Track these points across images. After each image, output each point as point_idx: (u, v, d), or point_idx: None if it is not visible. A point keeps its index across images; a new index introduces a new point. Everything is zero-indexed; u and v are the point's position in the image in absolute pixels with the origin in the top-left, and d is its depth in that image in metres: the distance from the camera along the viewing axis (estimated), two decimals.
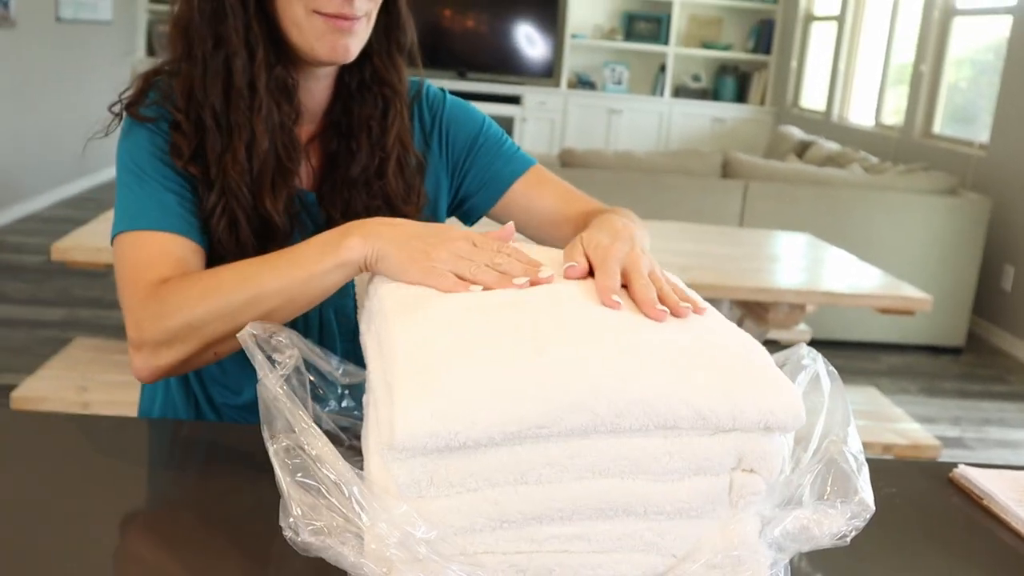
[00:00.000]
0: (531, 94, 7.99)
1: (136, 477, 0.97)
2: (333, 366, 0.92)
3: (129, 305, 1.01)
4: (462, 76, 8.02)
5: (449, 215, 1.30)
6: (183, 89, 1.08)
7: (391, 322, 0.80)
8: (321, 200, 1.16)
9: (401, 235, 0.91)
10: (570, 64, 8.20)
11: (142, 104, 1.10)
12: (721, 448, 0.74)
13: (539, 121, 8.03)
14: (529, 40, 8.09)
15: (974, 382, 4.26)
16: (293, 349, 0.81)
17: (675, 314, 0.79)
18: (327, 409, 0.94)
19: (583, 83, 8.24)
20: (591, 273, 0.86)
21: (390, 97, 1.18)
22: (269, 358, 0.80)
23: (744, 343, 0.80)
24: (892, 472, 1.08)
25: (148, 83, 1.11)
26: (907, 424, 2.64)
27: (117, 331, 3.72)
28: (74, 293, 4.40)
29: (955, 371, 4.39)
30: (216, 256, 1.08)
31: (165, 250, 1.03)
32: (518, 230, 1.24)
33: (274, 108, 1.08)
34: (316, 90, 1.16)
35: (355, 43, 1.08)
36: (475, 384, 0.70)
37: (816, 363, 0.85)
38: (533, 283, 0.85)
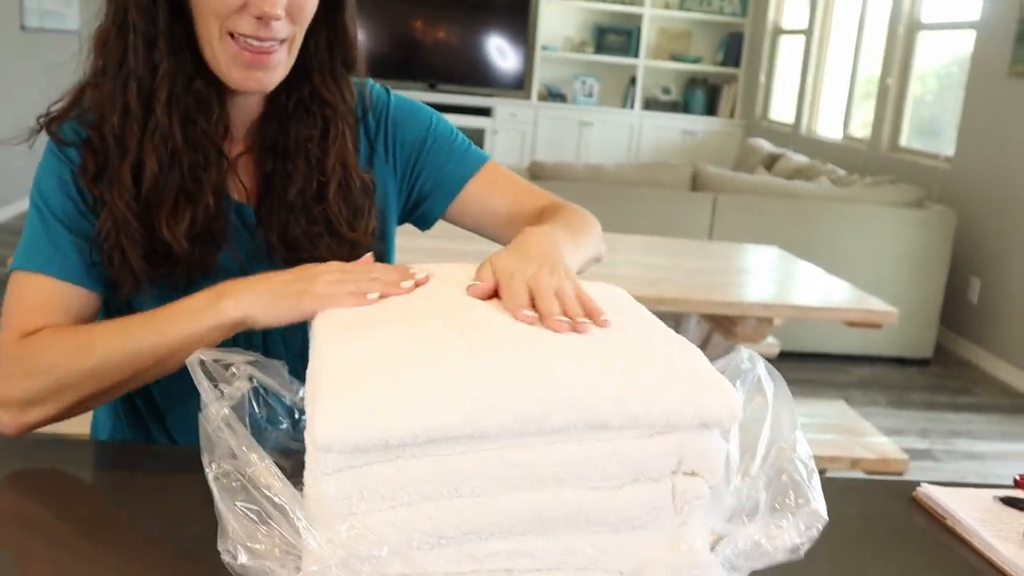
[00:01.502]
0: (502, 106, 7.99)
1: (83, 500, 0.94)
2: (291, 388, 0.89)
3: (0, 358, 0.99)
4: (433, 88, 8.00)
5: (401, 222, 1.26)
6: (97, 105, 1.03)
7: (320, 342, 0.79)
8: (259, 220, 1.11)
9: (275, 285, 0.92)
10: (540, 76, 8.21)
11: (64, 120, 1.05)
12: (659, 449, 0.72)
13: (510, 133, 8.03)
14: (500, 52, 8.10)
15: (942, 394, 4.28)
16: (243, 380, 0.78)
17: (574, 329, 0.78)
18: (281, 432, 0.91)
19: (553, 95, 8.25)
20: (497, 294, 0.86)
21: (331, 118, 1.11)
22: (215, 385, 0.77)
23: (677, 345, 0.80)
24: (856, 492, 1.07)
25: (77, 98, 1.06)
26: (875, 438, 2.64)
27: None
28: None
29: (923, 383, 4.41)
30: (113, 285, 1.03)
31: (48, 298, 1.00)
32: (473, 229, 1.25)
33: (176, 128, 1.01)
34: (245, 104, 1.10)
35: (272, 76, 1.03)
36: (398, 383, 0.69)
37: (756, 367, 0.84)
38: (418, 283, 0.89)
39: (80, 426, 1.16)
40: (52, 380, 0.95)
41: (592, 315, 0.81)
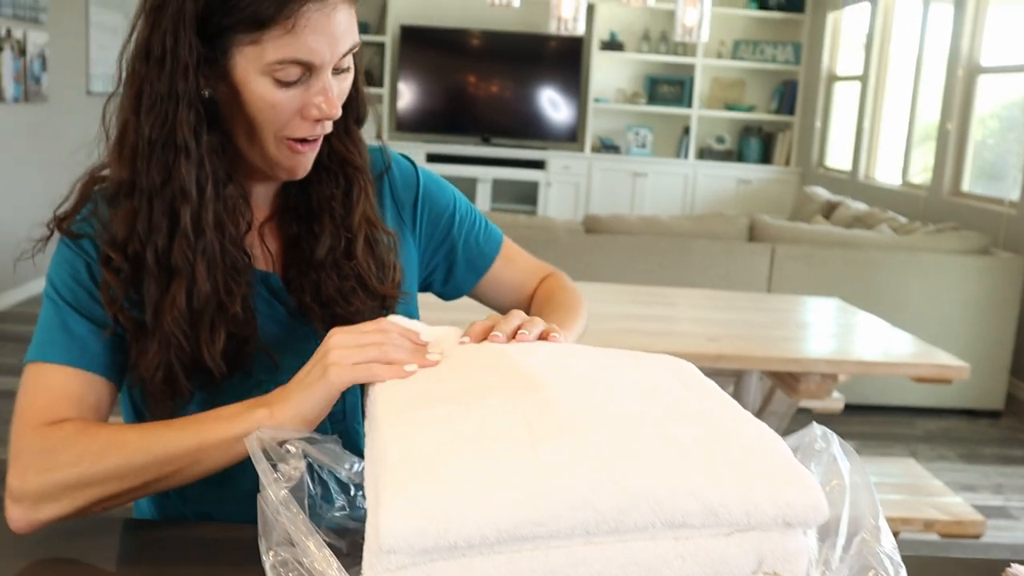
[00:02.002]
0: (555, 158, 8.02)
1: None
2: (346, 467, 0.87)
3: (16, 449, 0.95)
4: (486, 141, 8.06)
5: (421, 290, 1.27)
6: (125, 222, 0.99)
7: (380, 424, 0.77)
8: (288, 285, 1.10)
9: (300, 378, 0.92)
10: (594, 128, 8.23)
11: (74, 220, 1.03)
12: (738, 550, 0.68)
13: (563, 185, 8.04)
14: (553, 105, 8.14)
15: (1015, 447, 4.13)
16: (300, 460, 0.77)
17: (513, 338, 0.92)
18: (337, 511, 0.89)
19: (607, 147, 8.26)
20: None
21: (352, 175, 1.12)
22: (274, 466, 0.75)
23: (757, 432, 0.75)
24: (936, 571, 1.01)
25: (85, 197, 1.04)
26: (948, 498, 2.55)
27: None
28: None
29: (995, 435, 4.26)
30: (150, 400, 1.02)
31: (66, 390, 0.98)
32: (483, 302, 1.32)
33: (216, 242, 1.00)
34: (270, 180, 1.11)
35: (313, 158, 1.06)
36: (466, 479, 0.66)
37: (831, 445, 0.80)
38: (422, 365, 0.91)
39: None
40: (74, 476, 0.92)
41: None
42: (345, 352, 0.89)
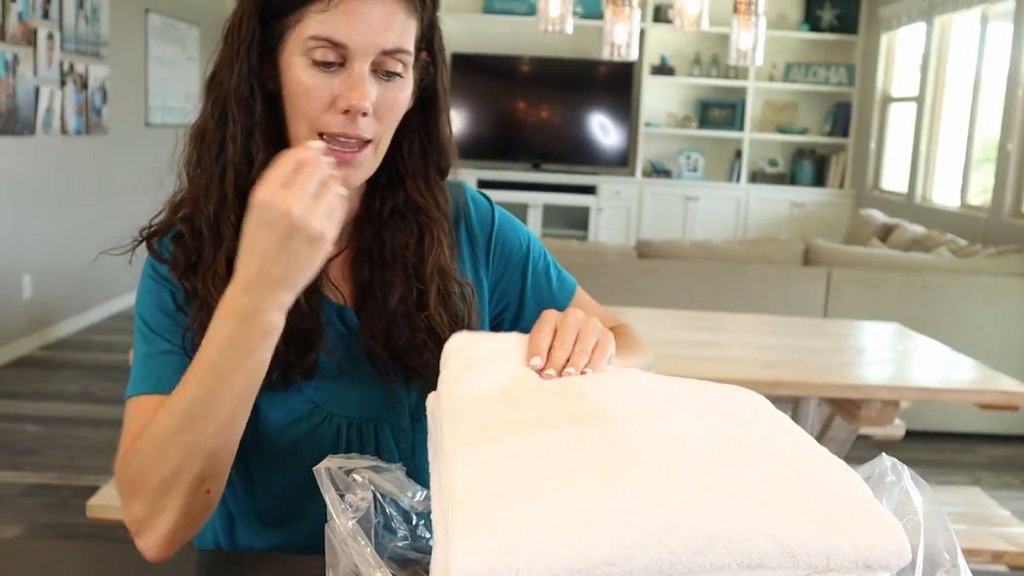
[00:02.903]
0: (606, 184, 8.01)
1: None
2: (408, 495, 0.87)
3: (116, 482, 0.99)
4: (536, 167, 8.08)
5: (491, 328, 1.25)
6: (192, 196, 1.04)
7: (448, 455, 0.75)
8: (361, 325, 1.10)
9: (275, 263, 0.89)
10: (644, 152, 8.21)
11: (165, 235, 1.06)
12: None
13: (615, 210, 8.03)
14: (603, 129, 8.14)
15: None
16: (367, 490, 0.76)
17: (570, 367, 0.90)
18: (399, 541, 0.89)
19: (658, 171, 8.23)
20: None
21: (426, 224, 1.11)
22: (341, 496, 0.75)
23: (836, 470, 0.73)
24: None
25: (175, 213, 1.07)
26: (1016, 528, 2.48)
27: None
28: None
29: None
30: None
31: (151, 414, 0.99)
32: None
33: None
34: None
35: (357, 174, 1.03)
36: (537, 517, 0.65)
37: (903, 478, 0.77)
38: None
39: None
40: (155, 483, 0.93)
41: (594, 360, 0.91)
42: (313, 213, 0.88)
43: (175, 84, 6.97)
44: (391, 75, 1.00)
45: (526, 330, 1.23)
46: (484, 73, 8.06)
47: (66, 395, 4.46)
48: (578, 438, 0.73)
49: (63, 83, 5.38)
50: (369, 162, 1.03)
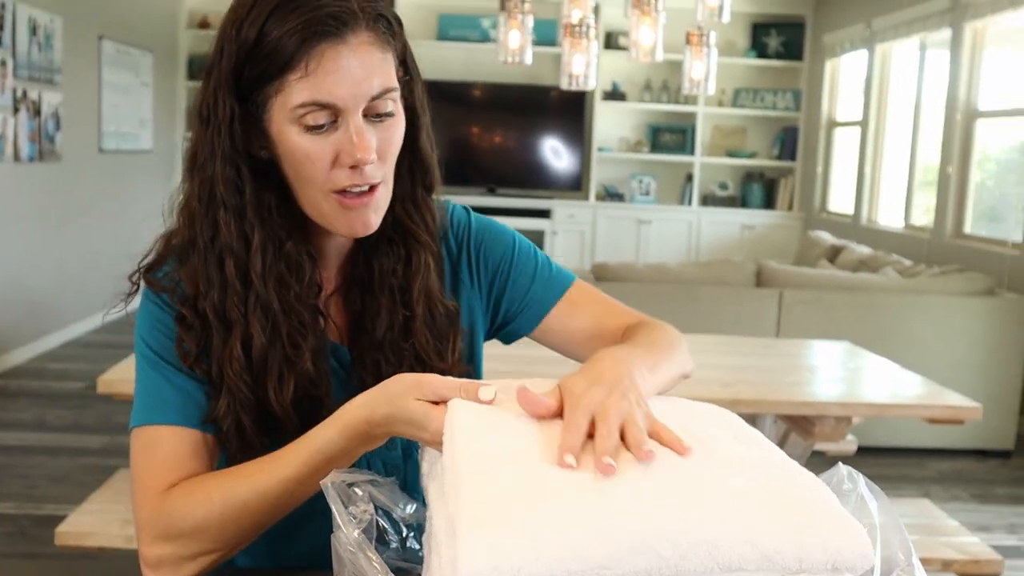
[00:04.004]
0: (560, 207, 8.10)
1: None
2: (400, 507, 0.92)
3: (140, 519, 0.99)
4: (491, 192, 8.16)
5: (488, 338, 1.25)
6: (190, 279, 1.03)
7: (459, 466, 0.79)
8: (354, 361, 1.10)
9: (388, 394, 0.92)
10: (598, 176, 8.32)
11: (159, 269, 1.06)
12: None
13: (569, 234, 8.12)
14: (556, 154, 8.25)
15: None
16: (368, 504, 0.81)
17: (638, 459, 0.77)
18: (391, 551, 0.93)
19: (611, 195, 8.35)
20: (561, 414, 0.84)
21: (413, 247, 1.10)
22: (345, 507, 0.80)
23: (806, 481, 0.80)
24: None
25: (167, 247, 1.06)
26: (964, 537, 2.57)
27: None
28: (115, 420, 4.43)
29: (1006, 475, 4.28)
30: (225, 451, 1.04)
31: (177, 451, 1.00)
32: (555, 349, 1.24)
33: (273, 296, 1.02)
34: (335, 242, 1.10)
35: (376, 216, 1.03)
36: (538, 521, 0.70)
37: (858, 485, 0.84)
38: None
39: None
40: (206, 540, 0.96)
41: (672, 445, 0.79)
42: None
43: (129, 110, 6.95)
44: (383, 116, 1.00)
45: (519, 330, 1.22)
46: (438, 99, 7.92)
47: (21, 424, 4.41)
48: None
49: (16, 110, 5.35)
50: (383, 201, 1.04)
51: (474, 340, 1.20)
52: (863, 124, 7.10)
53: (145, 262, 1.07)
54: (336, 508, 0.78)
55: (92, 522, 2.34)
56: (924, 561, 2.45)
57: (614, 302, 1.23)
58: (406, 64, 1.07)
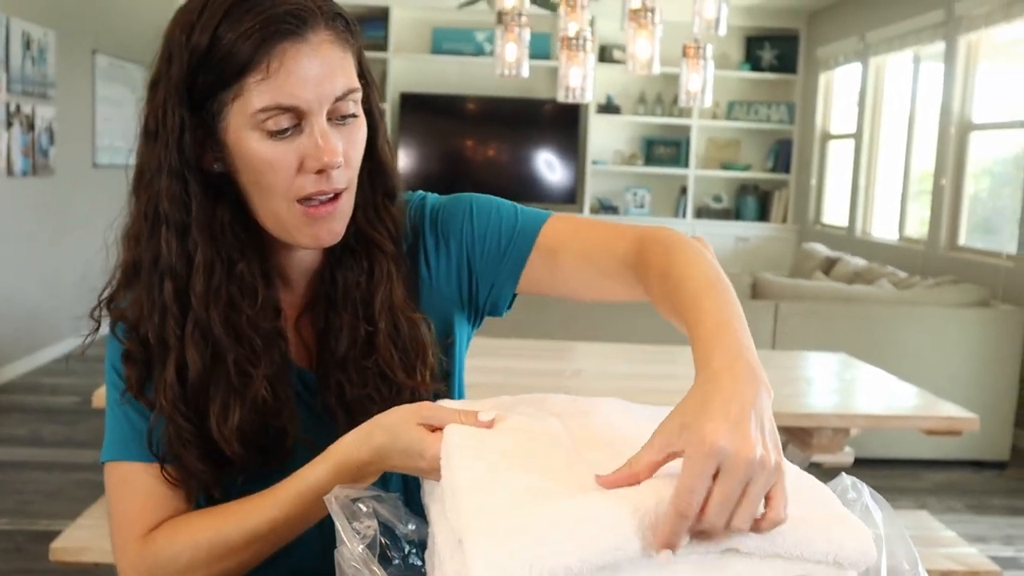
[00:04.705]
0: None
1: None
2: (403, 523, 0.91)
3: (123, 566, 0.97)
4: None
5: (478, 323, 1.16)
6: (134, 307, 0.98)
7: (460, 487, 0.79)
8: (319, 383, 1.04)
9: (392, 462, 0.91)
10: (592, 190, 8.34)
11: (122, 299, 1.00)
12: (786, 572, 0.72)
13: None
14: (550, 167, 8.26)
15: (1023, 498, 4.15)
16: (372, 519, 0.81)
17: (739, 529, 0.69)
18: (393, 567, 0.92)
19: (605, 208, 8.36)
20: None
21: (376, 257, 1.04)
22: (350, 523, 0.79)
23: (809, 482, 0.80)
24: None
25: (127, 277, 1.00)
26: (962, 548, 2.57)
27: None
28: None
29: (1001, 486, 4.28)
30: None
31: (154, 491, 0.97)
32: (558, 295, 1.10)
33: (216, 322, 0.95)
34: (302, 259, 1.04)
35: (340, 224, 0.98)
36: (544, 519, 0.70)
37: (863, 495, 0.84)
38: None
39: None
40: None
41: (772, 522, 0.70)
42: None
43: (123, 124, 6.94)
44: (346, 117, 0.96)
45: (502, 299, 1.10)
46: (432, 112, 8.14)
47: (15, 439, 4.39)
48: (564, 464, 0.79)
49: (9, 124, 5.34)
50: (348, 208, 0.99)
51: (453, 351, 1.12)
52: (857, 136, 7.13)
53: (105, 294, 1.02)
54: (340, 523, 0.77)
55: (87, 537, 2.32)
56: None
57: (598, 227, 1.05)
58: (362, 68, 1.00)
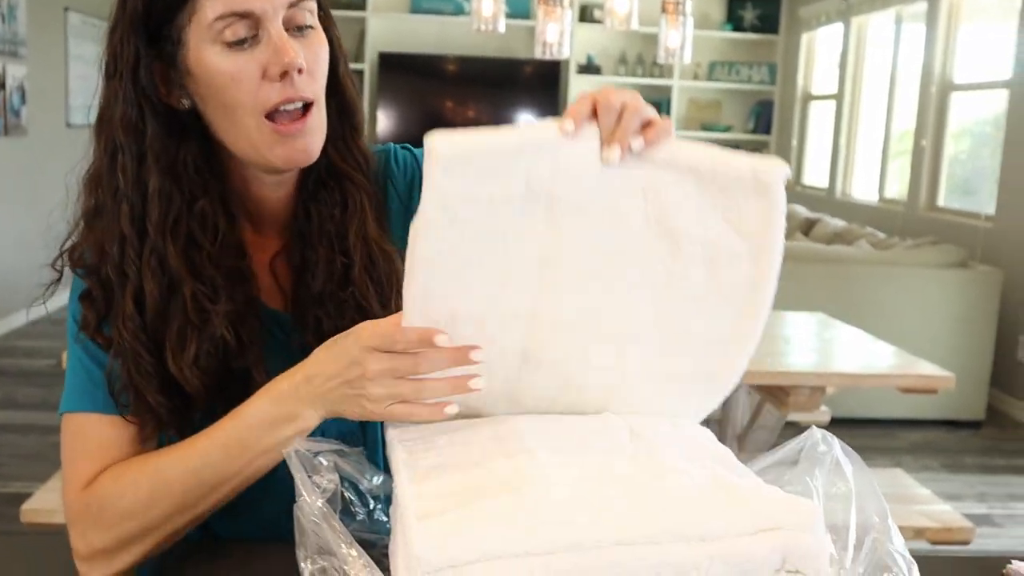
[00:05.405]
0: None
1: None
2: (367, 478, 0.90)
3: (71, 514, 0.95)
4: None
5: None
6: (95, 245, 0.97)
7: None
8: (295, 322, 1.04)
9: (325, 401, 0.88)
10: None
11: (84, 251, 0.99)
12: (762, 548, 0.71)
13: None
14: None
15: (997, 456, 4.19)
16: (333, 473, 0.79)
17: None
18: (356, 523, 0.91)
19: None
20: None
21: (349, 190, 1.04)
22: (308, 476, 0.78)
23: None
24: (940, 570, 1.05)
25: (88, 221, 0.99)
26: (936, 505, 2.59)
27: None
28: None
29: (976, 445, 4.32)
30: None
31: (103, 440, 0.96)
32: None
33: (172, 252, 0.95)
34: (274, 197, 1.04)
35: (314, 141, 0.98)
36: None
37: (833, 448, 0.83)
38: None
39: None
40: (135, 526, 0.93)
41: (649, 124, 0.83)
42: (383, 388, 0.85)
43: (96, 83, 6.83)
44: (303, 28, 0.96)
45: None
46: (411, 72, 8.06)
47: None
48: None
49: None
50: (320, 125, 0.98)
51: None
52: (838, 97, 7.11)
53: (68, 244, 1.01)
54: (299, 477, 0.76)
55: (57, 499, 2.31)
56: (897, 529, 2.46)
57: None
58: (320, 4, 1.01)
